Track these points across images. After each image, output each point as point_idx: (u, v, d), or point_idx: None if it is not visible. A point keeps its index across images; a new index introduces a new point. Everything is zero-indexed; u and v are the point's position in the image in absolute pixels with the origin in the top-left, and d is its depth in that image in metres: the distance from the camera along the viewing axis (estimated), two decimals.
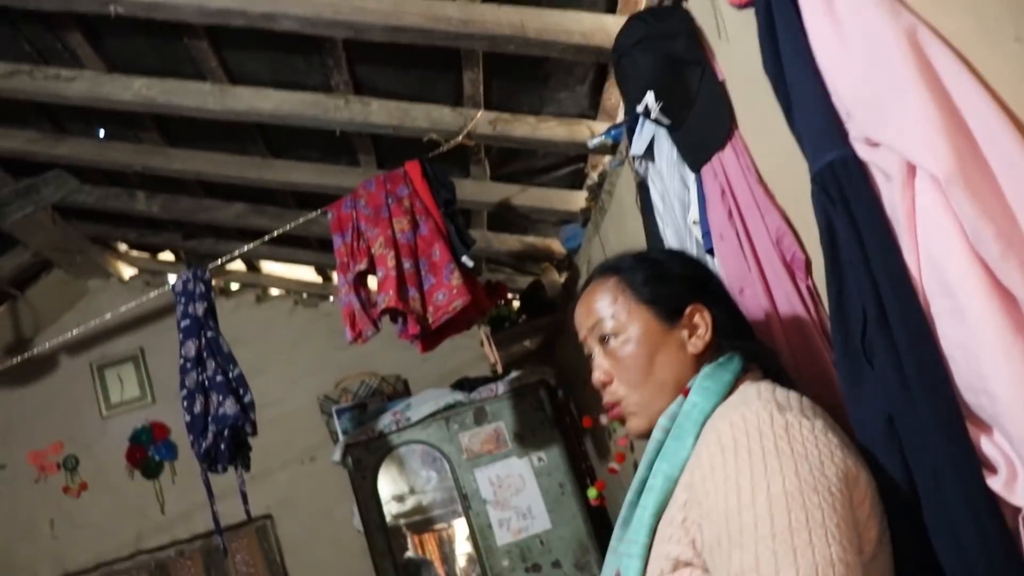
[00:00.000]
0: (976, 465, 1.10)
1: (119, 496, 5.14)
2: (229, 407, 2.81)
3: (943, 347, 1.13)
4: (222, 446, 2.85)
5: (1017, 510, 1.10)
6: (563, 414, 4.13)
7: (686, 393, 1.32)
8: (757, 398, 1.23)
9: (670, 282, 1.41)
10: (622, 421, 1.41)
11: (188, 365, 2.93)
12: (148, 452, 5.18)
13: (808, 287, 1.62)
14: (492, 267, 4.55)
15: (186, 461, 4.96)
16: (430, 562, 4.39)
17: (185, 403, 2.91)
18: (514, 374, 4.05)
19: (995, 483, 1.09)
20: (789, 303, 1.62)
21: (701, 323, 1.37)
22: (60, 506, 5.15)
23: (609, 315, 1.39)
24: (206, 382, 2.90)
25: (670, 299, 1.38)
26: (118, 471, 5.18)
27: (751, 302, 1.70)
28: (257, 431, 2.95)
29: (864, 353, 1.20)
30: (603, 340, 1.40)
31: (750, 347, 1.41)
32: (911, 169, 1.13)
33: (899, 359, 1.15)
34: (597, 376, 1.41)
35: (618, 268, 1.45)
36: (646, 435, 1.36)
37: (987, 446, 1.11)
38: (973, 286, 1.07)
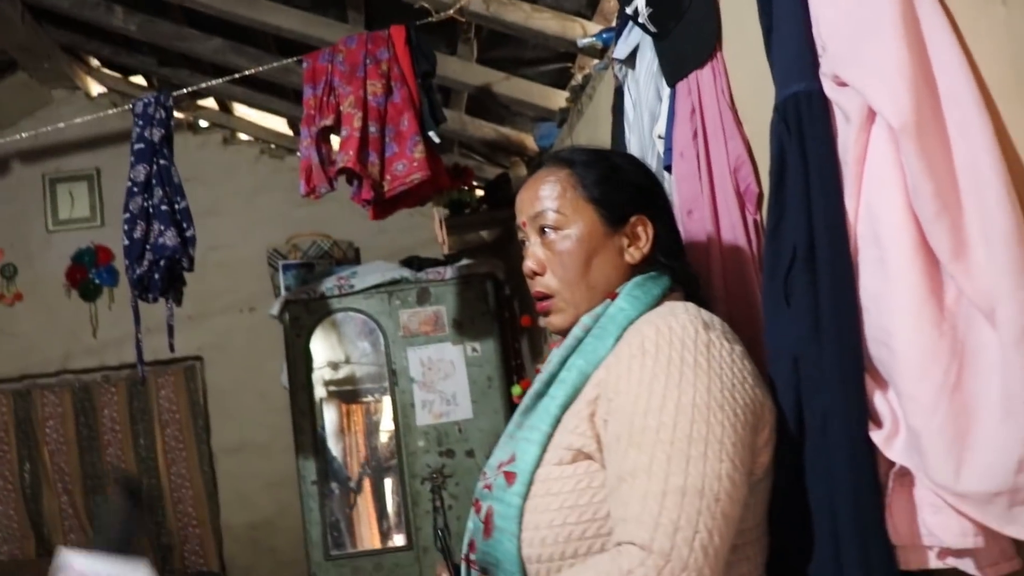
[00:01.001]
0: (864, 415, 1.12)
1: (53, 313, 5.11)
2: (169, 238, 2.77)
3: (860, 297, 1.14)
4: (156, 276, 2.82)
5: (891, 465, 1.13)
6: (504, 310, 4.15)
7: (613, 297, 1.33)
8: (684, 312, 1.26)
9: (622, 187, 1.39)
10: (546, 313, 1.41)
11: (135, 189, 2.87)
12: (89, 274, 5.14)
13: (755, 220, 1.62)
14: (463, 152, 4.49)
15: (125, 289, 4.89)
16: (337, 433, 4.42)
17: (126, 227, 2.87)
18: (464, 262, 4.05)
19: (877, 436, 1.12)
20: (733, 233, 1.62)
21: (643, 235, 1.37)
22: None
23: (554, 207, 1.37)
24: (151, 209, 2.85)
25: (618, 205, 1.37)
26: (55, 288, 5.13)
27: (697, 225, 1.69)
28: (194, 267, 2.93)
29: (784, 289, 1.21)
30: (542, 230, 1.38)
31: (682, 269, 1.41)
32: (871, 115, 1.11)
33: (816, 301, 1.15)
34: (529, 264, 1.39)
35: (572, 161, 1.42)
36: (565, 331, 1.37)
37: (878, 400, 1.13)
38: (902, 241, 1.07)
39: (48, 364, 5.08)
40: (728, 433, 1.14)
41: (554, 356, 1.36)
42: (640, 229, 1.37)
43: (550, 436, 1.26)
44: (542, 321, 1.44)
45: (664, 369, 1.17)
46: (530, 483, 1.24)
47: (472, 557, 1.34)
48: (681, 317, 1.24)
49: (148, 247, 2.82)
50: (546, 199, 1.38)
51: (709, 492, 1.10)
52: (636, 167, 1.48)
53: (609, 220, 1.36)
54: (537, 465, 1.25)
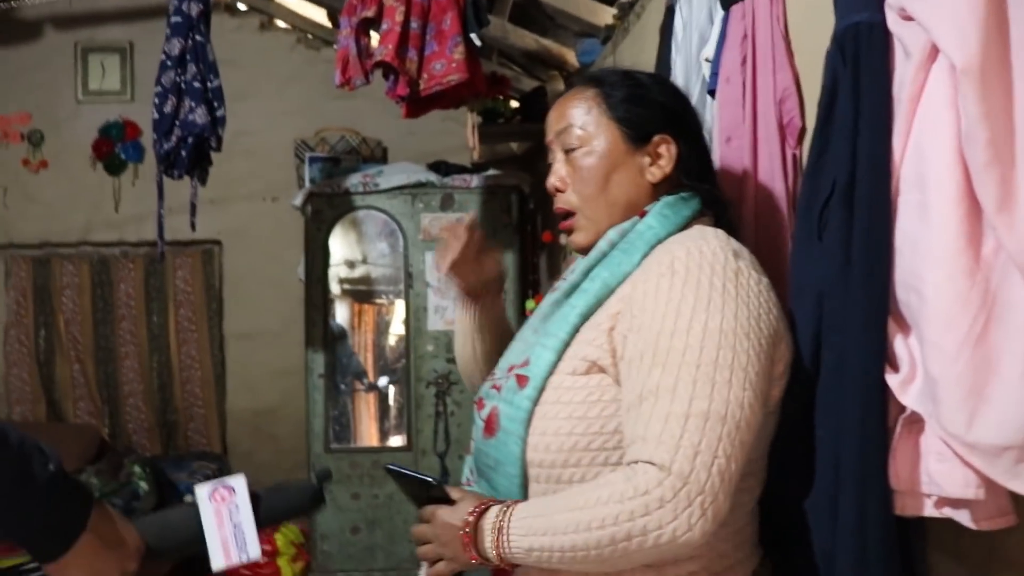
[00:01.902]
0: (882, 358, 1.12)
1: (77, 183, 5.12)
2: (200, 116, 2.75)
3: (896, 239, 1.12)
4: (183, 152, 2.81)
5: (901, 410, 1.13)
6: (527, 224, 4.13)
7: (642, 215, 1.33)
8: (715, 237, 1.26)
9: (647, 106, 1.39)
10: (569, 232, 1.42)
11: (168, 63, 2.85)
12: (115, 148, 5.13)
13: (794, 155, 1.59)
14: (502, 61, 4.42)
15: (150, 166, 4.87)
16: (349, 331, 4.46)
17: (156, 100, 2.85)
18: (492, 172, 4.02)
19: (893, 380, 1.11)
20: (770, 164, 1.60)
21: (665, 154, 1.37)
22: (16, 177, 5.13)
23: (579, 124, 1.38)
24: (183, 85, 2.82)
25: (642, 123, 1.37)
26: (81, 159, 5.14)
27: (735, 153, 1.67)
28: (221, 147, 2.91)
29: (819, 223, 1.19)
30: (567, 148, 1.39)
31: (712, 193, 1.41)
32: (933, 53, 1.08)
33: (850, 238, 1.14)
34: (552, 181, 1.41)
35: (600, 80, 1.42)
36: (587, 249, 1.38)
37: (899, 344, 1.12)
38: (948, 187, 1.04)
39: (68, 234, 5.12)
40: (752, 362, 1.15)
41: (578, 266, 1.37)
42: (663, 148, 1.37)
43: (567, 344, 1.28)
44: (564, 239, 1.45)
45: (693, 291, 1.18)
46: (542, 388, 1.26)
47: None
48: (712, 242, 1.24)
49: (177, 123, 2.81)
50: (572, 116, 1.40)
51: (731, 419, 1.12)
52: (664, 87, 1.47)
53: (632, 138, 1.36)
54: (551, 371, 1.27)
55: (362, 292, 4.48)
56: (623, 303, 1.25)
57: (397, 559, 3.92)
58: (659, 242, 1.29)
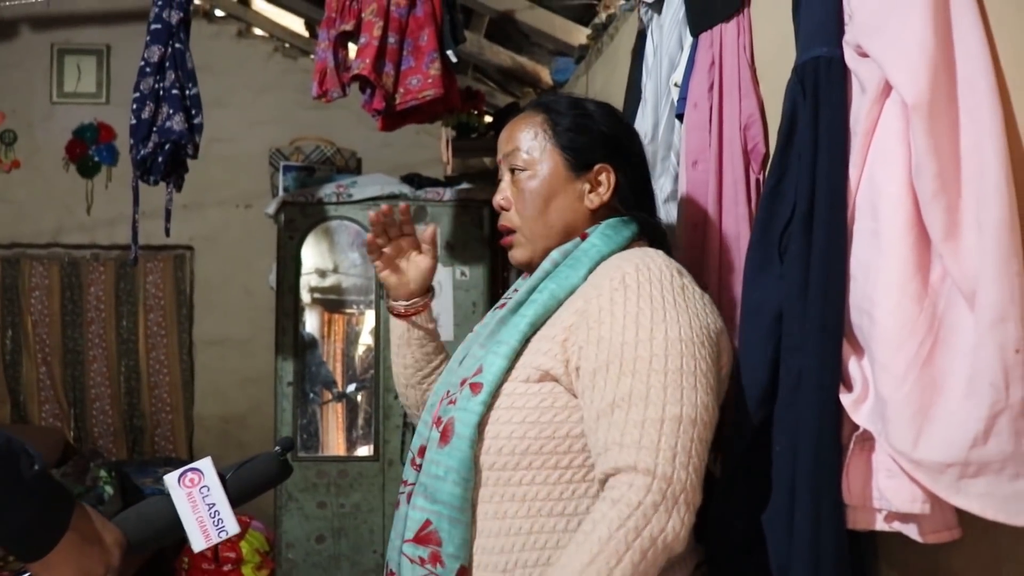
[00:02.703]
0: (837, 378, 1.17)
1: (49, 184, 5.11)
2: (177, 123, 2.77)
3: (851, 265, 1.18)
4: (160, 159, 2.82)
5: (854, 428, 1.18)
6: (498, 239, 4.17)
7: (583, 237, 1.41)
8: (659, 256, 1.35)
9: (591, 135, 1.46)
10: (508, 247, 1.51)
11: (148, 69, 2.86)
12: (89, 150, 5.12)
13: (758, 180, 1.65)
14: (477, 76, 4.47)
15: (123, 170, 4.93)
16: (319, 340, 4.47)
17: (135, 106, 2.86)
18: (464, 186, 4.06)
19: (846, 399, 1.17)
20: (735, 189, 1.65)
21: (604, 182, 1.45)
22: None
23: (525, 148, 1.46)
24: (161, 92, 2.84)
25: (584, 152, 1.45)
26: (54, 160, 5.12)
27: (700, 176, 1.72)
28: (198, 154, 2.93)
29: (779, 245, 1.25)
30: (512, 169, 1.47)
31: (648, 221, 1.49)
32: (886, 89, 1.14)
33: (808, 261, 1.19)
34: (497, 199, 1.50)
35: (548, 107, 1.50)
36: (524, 265, 1.48)
37: (852, 365, 1.18)
38: (898, 216, 1.10)
39: (39, 235, 5.09)
40: (708, 367, 1.24)
41: (521, 286, 1.44)
42: (603, 176, 1.44)
43: (518, 353, 1.34)
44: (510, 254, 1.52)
45: (648, 304, 1.25)
46: (495, 394, 1.32)
47: (418, 461, 1.41)
48: (657, 260, 1.33)
49: (155, 129, 2.82)
50: (519, 140, 1.47)
51: (700, 421, 1.20)
52: (610, 117, 1.53)
53: (573, 166, 1.44)
54: (503, 378, 1.32)
55: (332, 301, 4.49)
56: (576, 316, 1.30)
57: (362, 569, 3.93)
58: (602, 259, 1.37)
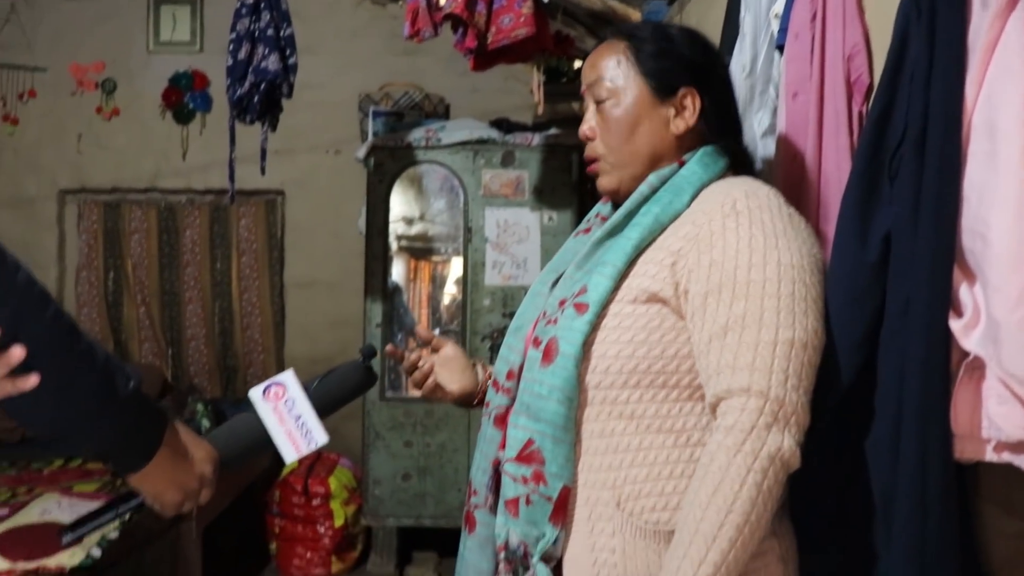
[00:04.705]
0: (947, 302, 1.14)
1: (147, 131, 5.25)
2: (272, 63, 2.82)
3: (964, 187, 1.14)
4: (255, 98, 2.88)
5: (964, 356, 1.15)
6: (586, 183, 4.15)
7: (681, 163, 1.40)
8: (764, 185, 1.36)
9: (675, 60, 1.45)
10: (595, 175, 1.51)
11: (243, 11, 2.91)
12: (184, 98, 5.23)
13: (860, 112, 1.60)
14: (567, 20, 4.41)
15: (217, 116, 5.03)
16: (404, 287, 4.52)
17: (231, 47, 2.91)
18: (553, 131, 4.04)
19: (956, 324, 1.14)
20: (836, 120, 1.61)
21: (689, 107, 1.43)
22: (90, 124, 5.26)
23: (609, 77, 1.45)
24: (256, 32, 2.89)
25: (668, 76, 1.43)
26: (152, 107, 5.25)
27: (800, 108, 1.68)
28: (292, 94, 2.97)
29: (888, 169, 1.21)
30: (598, 99, 1.46)
31: (739, 149, 1.48)
32: (1011, 1, 1.09)
33: (920, 183, 1.16)
34: (583, 129, 1.49)
35: (631, 34, 1.48)
36: (612, 193, 1.48)
37: (963, 290, 1.15)
38: (1018, 135, 1.06)
39: (138, 180, 5.25)
40: (818, 294, 1.26)
41: (609, 211, 1.46)
42: (688, 100, 1.42)
43: (623, 273, 1.33)
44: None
45: (760, 229, 1.26)
46: (601, 314, 1.32)
47: (505, 384, 1.43)
48: (764, 188, 1.34)
49: (251, 69, 2.87)
50: (603, 68, 1.46)
51: (811, 346, 1.22)
52: (693, 41, 1.50)
53: (658, 91, 1.42)
54: (609, 298, 1.32)
55: (419, 249, 4.54)
56: (685, 241, 1.30)
57: (447, 507, 4.01)
58: (703, 186, 1.37)
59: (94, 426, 1.17)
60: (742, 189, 1.32)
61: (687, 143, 1.43)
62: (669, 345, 1.30)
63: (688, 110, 1.42)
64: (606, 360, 1.30)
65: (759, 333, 1.21)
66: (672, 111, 1.42)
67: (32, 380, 1.07)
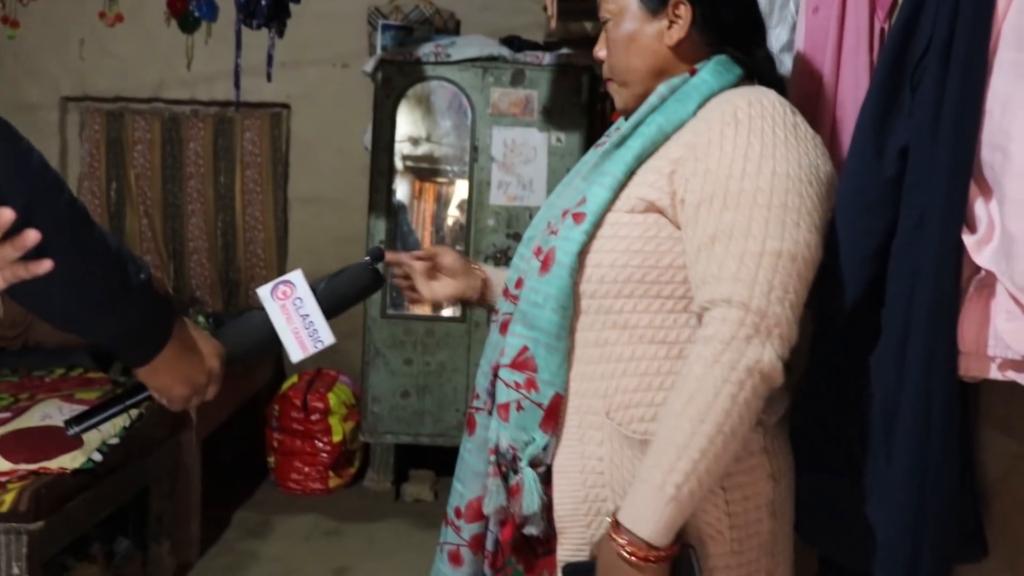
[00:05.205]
0: (962, 216, 1.12)
1: (151, 39, 5.14)
2: None
3: (987, 98, 1.11)
4: (262, 2, 2.82)
5: (975, 271, 1.13)
6: (596, 104, 4.10)
7: (692, 72, 1.38)
8: (771, 93, 1.33)
9: None
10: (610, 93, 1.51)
11: None
12: (190, 5, 5.12)
13: (882, 29, 1.56)
14: None
15: (223, 25, 4.91)
16: (409, 208, 4.49)
17: None
18: (565, 50, 3.97)
19: (969, 239, 1.12)
20: (856, 37, 1.57)
21: (682, 16, 1.40)
22: (93, 30, 5.15)
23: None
24: None
25: None
26: (156, 14, 5.13)
27: (820, 23, 1.64)
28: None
29: (911, 79, 1.18)
30: (603, 20, 1.47)
31: (758, 58, 1.44)
32: None
33: (943, 92, 1.13)
34: (595, 50, 1.50)
35: None
36: (623, 112, 1.48)
37: (978, 205, 1.13)
38: None
39: (141, 90, 5.17)
40: (815, 205, 1.23)
41: (628, 121, 1.41)
42: (681, 10, 1.39)
43: (623, 184, 1.33)
44: None
45: (759, 139, 1.23)
46: (598, 223, 1.31)
47: (513, 292, 1.42)
48: (771, 96, 1.31)
49: None
50: None
51: (800, 258, 1.18)
52: None
53: (648, 5, 1.41)
54: (607, 208, 1.32)
55: (424, 170, 4.50)
56: (685, 149, 1.28)
57: (445, 426, 4.05)
58: (712, 95, 1.34)
59: (106, 314, 1.17)
60: (746, 97, 1.29)
61: (692, 54, 1.40)
62: (665, 255, 1.28)
63: (681, 20, 1.39)
64: (601, 269, 1.30)
65: (745, 243, 1.17)
66: (666, 23, 1.40)
67: (46, 264, 1.05)
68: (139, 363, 1.25)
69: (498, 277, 1.67)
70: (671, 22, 1.40)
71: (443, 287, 1.68)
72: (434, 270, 1.68)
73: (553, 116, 3.95)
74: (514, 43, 4.00)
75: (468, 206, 4.07)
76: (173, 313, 1.26)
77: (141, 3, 5.11)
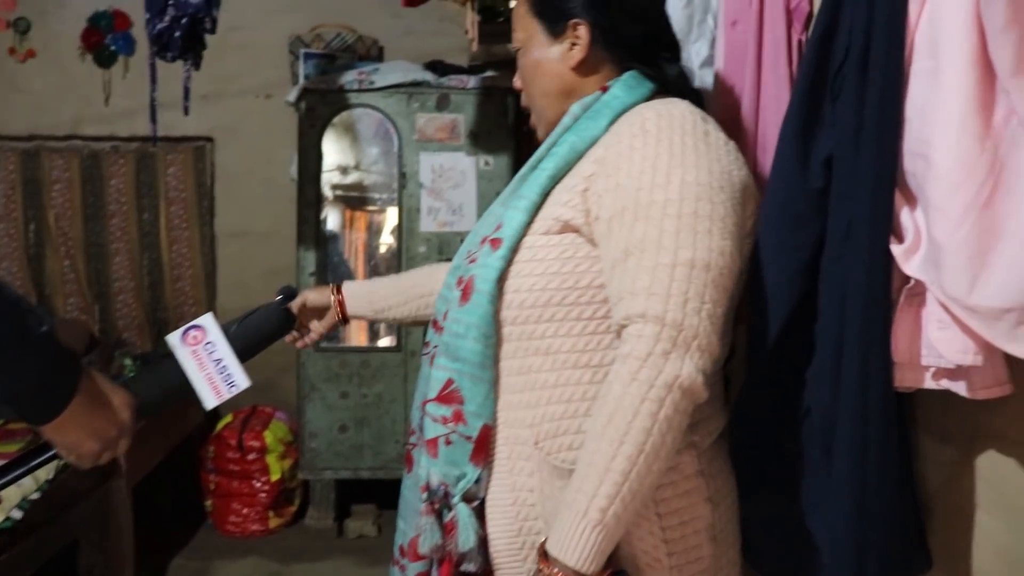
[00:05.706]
0: (889, 226, 1.12)
1: (66, 75, 5.01)
2: None
3: (905, 108, 1.11)
4: (176, 33, 2.75)
5: (905, 281, 1.13)
6: (523, 127, 4.09)
7: (604, 89, 1.37)
8: (681, 103, 1.32)
9: None
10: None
11: None
12: (105, 39, 5.00)
13: (799, 41, 1.57)
14: None
15: (141, 59, 4.79)
16: (340, 237, 4.43)
17: None
18: (489, 73, 3.96)
19: (897, 249, 1.12)
20: (775, 49, 1.58)
21: (582, 36, 1.39)
22: (3, 66, 4.99)
23: (518, 27, 1.45)
24: None
25: (555, 11, 1.40)
26: (70, 49, 5.00)
27: (738, 37, 1.65)
28: (216, 29, 2.84)
29: (831, 89, 1.18)
30: (515, 50, 1.47)
31: (670, 73, 1.42)
32: None
33: (863, 101, 1.13)
34: (514, 81, 1.51)
35: None
36: (547, 135, 1.44)
37: (904, 215, 1.13)
38: (962, 51, 1.03)
39: (58, 127, 5.02)
40: (728, 212, 1.20)
41: (543, 145, 1.40)
42: (580, 31, 1.39)
43: (538, 206, 1.30)
44: None
45: (667, 149, 1.21)
46: (515, 248, 1.29)
47: (441, 324, 1.39)
48: (680, 106, 1.30)
49: (171, 3, 2.74)
50: (513, 21, 1.46)
51: (715, 266, 1.15)
52: None
53: (549, 29, 1.40)
54: (523, 232, 1.29)
55: (354, 199, 4.44)
56: (596, 165, 1.27)
57: (385, 458, 3.96)
58: (624, 110, 1.32)
59: (4, 368, 1.09)
60: (655, 109, 1.28)
61: (600, 72, 1.40)
62: (583, 275, 1.25)
63: (580, 40, 1.38)
64: (520, 294, 1.27)
65: (658, 255, 1.14)
66: (568, 44, 1.39)
67: None
68: (43, 420, 1.18)
69: (360, 287, 1.78)
70: (572, 43, 1.39)
71: (316, 328, 1.80)
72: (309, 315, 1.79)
73: (480, 140, 3.92)
74: (438, 67, 3.97)
75: (399, 233, 4.02)
76: (78, 365, 1.19)
77: (54, 37, 4.97)
